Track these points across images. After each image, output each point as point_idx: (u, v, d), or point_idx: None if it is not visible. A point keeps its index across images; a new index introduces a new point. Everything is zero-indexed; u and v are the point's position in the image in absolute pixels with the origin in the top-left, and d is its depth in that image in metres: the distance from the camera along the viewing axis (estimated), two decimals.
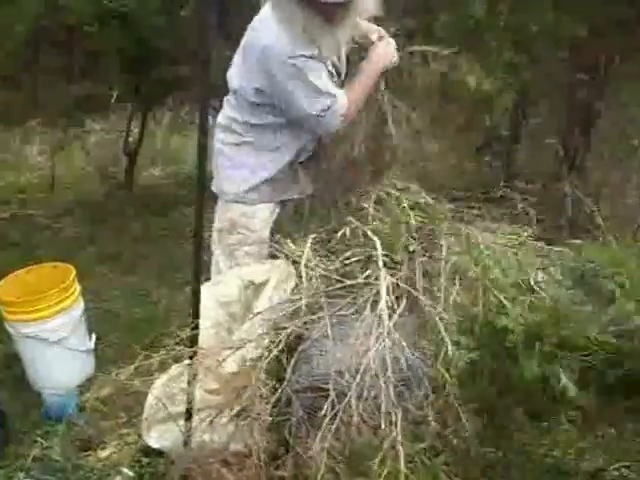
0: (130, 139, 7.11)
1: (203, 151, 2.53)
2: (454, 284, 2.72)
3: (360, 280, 2.76)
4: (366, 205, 3.07)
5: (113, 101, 7.11)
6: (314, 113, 3.04)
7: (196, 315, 2.66)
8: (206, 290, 2.84)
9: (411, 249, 2.87)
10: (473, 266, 2.75)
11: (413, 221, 2.92)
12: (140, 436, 3.08)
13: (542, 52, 4.42)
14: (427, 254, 2.88)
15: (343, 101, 3.06)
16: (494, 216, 3.19)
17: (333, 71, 3.15)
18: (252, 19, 3.11)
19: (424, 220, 2.95)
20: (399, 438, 2.23)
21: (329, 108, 3.03)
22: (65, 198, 6.62)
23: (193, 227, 2.64)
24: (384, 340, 2.44)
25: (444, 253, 2.81)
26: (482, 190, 3.63)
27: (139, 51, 5.86)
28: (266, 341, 2.71)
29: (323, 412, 2.38)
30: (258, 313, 2.82)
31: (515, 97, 4.68)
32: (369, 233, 2.84)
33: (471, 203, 3.17)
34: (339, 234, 3.01)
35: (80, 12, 5.78)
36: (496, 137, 5.60)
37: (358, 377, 2.38)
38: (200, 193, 2.60)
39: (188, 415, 2.80)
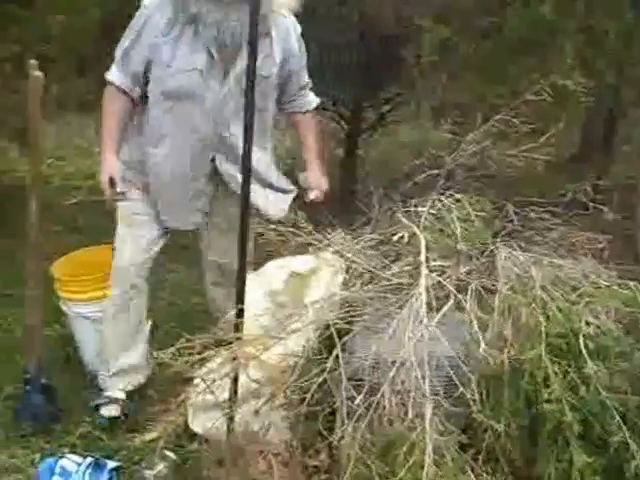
0: None
1: (249, 139, 2.75)
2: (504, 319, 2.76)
3: (404, 280, 2.92)
4: (420, 209, 3.22)
5: None
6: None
7: (240, 301, 2.87)
8: (253, 280, 3.05)
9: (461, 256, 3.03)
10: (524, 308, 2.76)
11: (459, 234, 3.04)
12: (186, 421, 3.30)
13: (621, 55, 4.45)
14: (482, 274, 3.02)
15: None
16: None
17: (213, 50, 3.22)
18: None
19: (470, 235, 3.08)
20: (428, 430, 2.39)
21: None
22: None
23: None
24: (421, 336, 2.60)
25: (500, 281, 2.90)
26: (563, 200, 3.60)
27: None
28: (311, 333, 2.91)
29: (357, 402, 2.55)
30: (306, 305, 3.01)
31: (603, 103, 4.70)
32: (417, 231, 2.99)
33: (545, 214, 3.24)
34: (392, 234, 3.20)
35: None
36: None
37: (393, 370, 2.55)
38: (245, 183, 2.82)
39: (231, 402, 3.01)
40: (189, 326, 4.19)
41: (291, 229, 3.16)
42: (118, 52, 3.34)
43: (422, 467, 2.33)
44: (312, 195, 3.49)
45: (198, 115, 3.31)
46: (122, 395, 3.62)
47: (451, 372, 2.65)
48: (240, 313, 2.91)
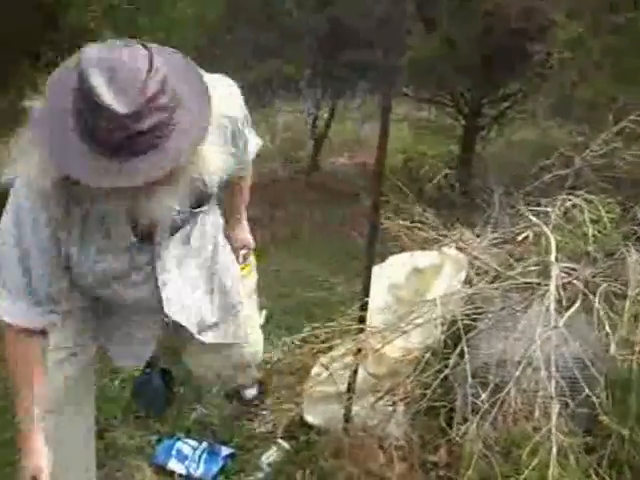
0: (318, 123, 7.53)
1: (384, 138, 2.83)
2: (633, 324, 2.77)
3: (530, 279, 2.98)
4: (550, 210, 3.27)
5: (303, 83, 7.54)
6: None
7: (366, 293, 2.97)
8: (376, 273, 3.15)
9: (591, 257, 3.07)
10: None
11: (590, 235, 3.08)
12: (299, 412, 3.42)
13: None
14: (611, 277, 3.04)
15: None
16: None
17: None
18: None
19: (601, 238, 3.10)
20: (553, 430, 2.45)
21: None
22: None
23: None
24: (549, 336, 2.65)
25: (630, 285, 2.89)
26: None
27: (335, 33, 6.24)
28: (434, 328, 2.99)
29: (481, 399, 2.62)
30: (429, 300, 3.10)
31: None
32: (546, 231, 3.04)
33: None
34: (517, 233, 3.25)
35: None
36: None
37: (520, 368, 2.61)
38: (378, 180, 2.92)
39: (350, 394, 3.11)
40: (300, 318, 4.40)
41: (417, 224, 3.23)
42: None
43: (547, 467, 2.39)
44: (241, 258, 3.04)
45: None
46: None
47: (578, 374, 2.69)
48: (364, 306, 3.01)
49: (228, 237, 2.81)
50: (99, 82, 1.74)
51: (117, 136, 1.76)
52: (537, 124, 7.37)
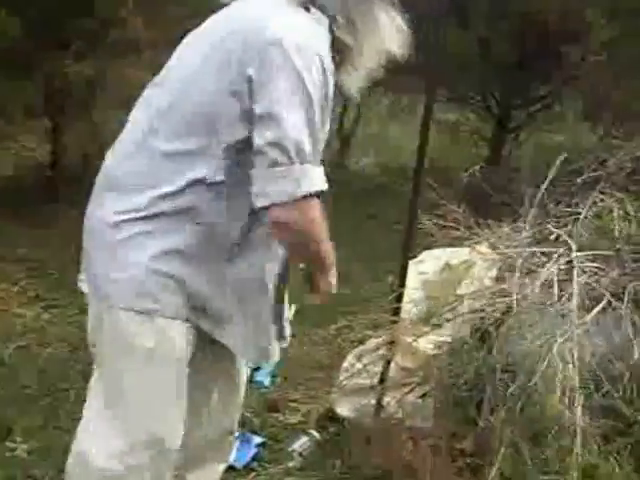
0: (345, 123, 7.75)
1: (425, 138, 3.06)
2: None
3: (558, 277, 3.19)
4: (581, 210, 3.48)
5: None
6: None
7: (402, 285, 3.19)
8: (409, 268, 3.38)
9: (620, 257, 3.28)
10: None
11: (617, 234, 3.29)
12: (329, 404, 3.65)
13: None
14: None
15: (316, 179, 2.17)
16: None
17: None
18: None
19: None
20: (578, 421, 2.68)
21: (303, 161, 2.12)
22: None
23: (402, 215, 3.14)
24: (572, 332, 2.88)
25: None
26: None
27: None
28: (464, 323, 3.22)
29: (510, 390, 2.85)
30: (460, 296, 3.32)
31: None
32: (564, 236, 3.25)
33: None
34: (548, 232, 3.47)
35: None
36: None
37: (545, 362, 2.83)
38: (417, 180, 3.14)
39: (383, 386, 3.34)
40: (327, 313, 4.62)
41: (449, 222, 3.44)
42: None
43: (571, 452, 2.62)
44: None
45: None
46: None
47: (601, 368, 2.92)
48: (399, 297, 3.23)
49: None
50: None
51: None
52: (568, 127, 7.58)
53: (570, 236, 3.34)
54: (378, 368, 3.38)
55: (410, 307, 3.38)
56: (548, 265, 3.28)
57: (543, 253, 3.36)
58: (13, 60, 5.47)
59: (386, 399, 3.39)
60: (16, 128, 6.46)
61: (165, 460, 2.40)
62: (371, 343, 3.44)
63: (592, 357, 2.92)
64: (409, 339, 3.26)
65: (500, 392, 2.92)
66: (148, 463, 2.35)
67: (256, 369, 4.05)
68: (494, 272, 3.39)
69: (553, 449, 2.66)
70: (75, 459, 2.43)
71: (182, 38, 2.38)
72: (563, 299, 3.07)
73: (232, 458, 3.41)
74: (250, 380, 3.99)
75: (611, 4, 4.71)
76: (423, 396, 3.28)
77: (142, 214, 2.23)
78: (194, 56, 2.26)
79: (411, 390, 3.30)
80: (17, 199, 6.11)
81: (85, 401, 2.44)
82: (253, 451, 3.49)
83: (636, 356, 2.86)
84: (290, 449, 3.50)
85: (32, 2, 5.48)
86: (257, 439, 3.55)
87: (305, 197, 2.12)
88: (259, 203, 2.13)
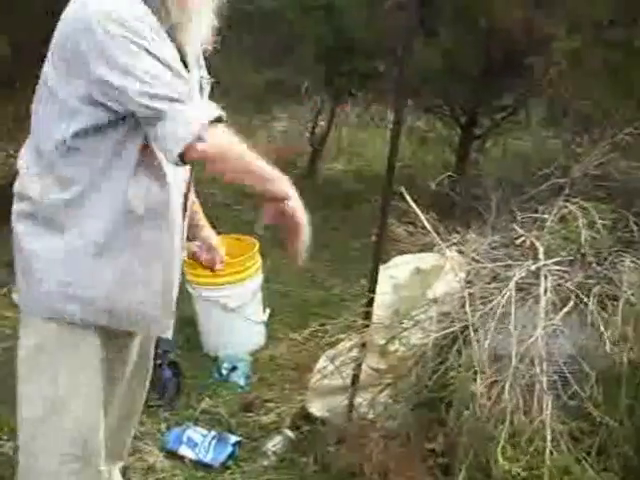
0: (317, 130, 7.75)
1: (395, 146, 3.04)
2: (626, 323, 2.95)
3: (525, 281, 3.17)
4: (547, 216, 3.46)
5: (303, 91, 7.75)
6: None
7: (372, 290, 3.17)
8: (381, 273, 3.35)
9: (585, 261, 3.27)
10: None
11: (583, 240, 3.27)
12: (303, 404, 3.62)
13: None
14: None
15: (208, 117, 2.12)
16: None
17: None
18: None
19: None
20: (547, 420, 2.66)
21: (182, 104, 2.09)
22: None
23: (373, 221, 3.13)
24: (543, 333, 2.86)
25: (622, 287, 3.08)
26: None
27: (336, 42, 6.44)
28: (434, 326, 3.20)
29: (478, 392, 2.82)
30: (430, 299, 3.30)
31: None
32: (534, 241, 3.24)
33: None
34: (515, 237, 3.45)
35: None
36: None
37: (514, 363, 2.81)
38: (388, 187, 3.12)
39: (354, 387, 3.32)
40: (301, 316, 4.61)
41: (419, 229, 3.43)
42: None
43: (542, 453, 2.60)
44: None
45: None
46: None
47: (568, 369, 2.90)
48: (370, 302, 3.21)
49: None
50: None
51: None
52: (532, 134, 7.59)
53: (537, 240, 3.33)
54: (350, 370, 3.35)
55: (381, 310, 3.35)
56: (516, 269, 3.28)
57: (510, 257, 3.35)
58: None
59: (358, 399, 3.35)
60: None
61: None
62: (343, 345, 3.41)
63: (559, 357, 2.91)
64: (380, 341, 3.23)
65: (469, 393, 2.89)
66: None
67: (232, 369, 4.04)
68: (463, 276, 3.37)
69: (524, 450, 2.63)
70: None
71: None
72: (530, 301, 3.07)
73: (209, 457, 3.39)
74: (225, 380, 4.00)
75: (572, 17, 4.72)
76: (394, 397, 3.25)
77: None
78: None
79: (382, 391, 3.27)
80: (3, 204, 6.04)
81: None
82: (229, 450, 3.47)
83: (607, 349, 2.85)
84: (265, 448, 3.48)
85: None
86: (233, 438, 3.53)
87: (205, 128, 2.08)
88: (174, 154, 2.10)
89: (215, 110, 2.14)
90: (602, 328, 2.87)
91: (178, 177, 2.38)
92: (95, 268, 2.27)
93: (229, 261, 4.08)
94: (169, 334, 2.60)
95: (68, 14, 2.16)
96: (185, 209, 2.51)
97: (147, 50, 2.06)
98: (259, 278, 4.36)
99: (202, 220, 2.86)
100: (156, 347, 3.84)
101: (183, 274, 4.15)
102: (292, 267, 5.41)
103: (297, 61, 7.31)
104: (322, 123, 7.97)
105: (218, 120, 2.13)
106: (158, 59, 2.08)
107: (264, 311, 4.45)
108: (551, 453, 2.64)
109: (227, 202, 6.78)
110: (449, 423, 2.98)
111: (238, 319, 4.22)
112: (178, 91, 2.08)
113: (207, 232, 2.87)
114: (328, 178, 7.67)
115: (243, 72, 7.25)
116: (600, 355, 2.87)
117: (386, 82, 6.15)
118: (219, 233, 4.67)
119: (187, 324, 4.43)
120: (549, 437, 2.65)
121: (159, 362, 3.80)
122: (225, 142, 2.16)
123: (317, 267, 5.47)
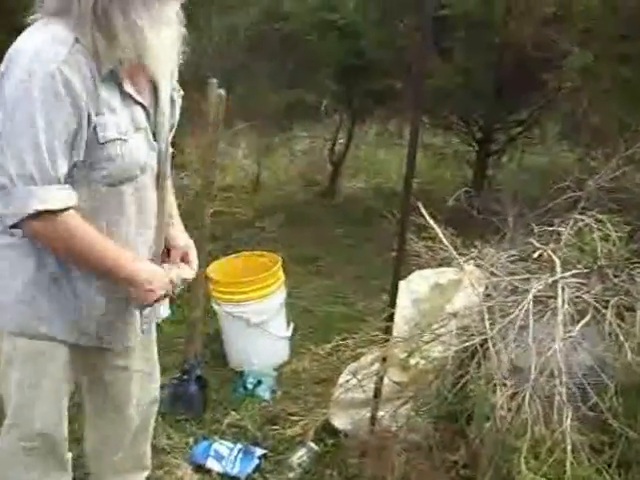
0: (336, 148, 7.75)
1: (412, 163, 3.02)
2: None
3: (544, 294, 3.14)
4: (563, 229, 3.43)
5: (323, 110, 7.76)
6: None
7: (392, 305, 3.15)
8: (401, 287, 3.33)
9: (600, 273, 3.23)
10: None
11: (599, 252, 3.24)
12: (326, 417, 3.59)
13: None
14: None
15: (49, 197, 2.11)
16: None
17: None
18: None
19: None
20: (568, 432, 2.62)
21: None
22: (268, 200, 7.39)
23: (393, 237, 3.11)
24: (562, 346, 2.82)
25: None
26: None
27: (354, 62, 6.45)
28: (454, 339, 3.17)
29: (499, 405, 2.79)
30: (450, 313, 3.27)
31: None
32: (551, 254, 3.21)
33: None
34: (532, 251, 3.42)
35: (301, 21, 6.46)
36: None
37: (533, 375, 2.78)
38: (405, 203, 3.10)
39: (376, 400, 3.29)
40: (324, 331, 4.58)
41: (437, 244, 3.41)
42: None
43: (563, 465, 2.56)
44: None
45: None
46: None
47: (587, 380, 2.86)
48: (390, 317, 3.19)
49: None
50: None
51: None
52: (547, 149, 7.57)
53: (554, 253, 3.29)
54: (372, 383, 3.33)
55: (402, 324, 3.33)
56: (534, 282, 3.24)
57: (528, 270, 3.31)
58: None
59: (380, 412, 3.34)
60: None
61: None
62: (365, 359, 3.38)
63: (578, 369, 2.87)
64: (401, 355, 3.20)
65: (490, 405, 2.86)
66: None
67: (257, 384, 4.02)
68: (481, 289, 3.34)
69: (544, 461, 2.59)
70: None
71: None
72: (549, 314, 3.03)
73: (236, 470, 3.38)
74: (251, 394, 3.98)
75: (584, 32, 4.71)
76: (415, 409, 3.22)
77: None
78: None
79: (404, 404, 3.24)
80: None
81: None
82: (255, 462, 3.47)
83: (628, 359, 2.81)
84: (290, 461, 3.47)
85: None
86: (259, 451, 3.53)
87: (37, 215, 2.10)
88: (6, 223, 2.18)
89: (57, 201, 2.13)
90: (621, 339, 2.82)
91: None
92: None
93: (252, 278, 4.11)
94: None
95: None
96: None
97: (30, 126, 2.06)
98: (282, 294, 4.35)
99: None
100: (183, 363, 3.88)
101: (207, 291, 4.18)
102: (315, 283, 5.45)
103: (316, 81, 7.34)
104: (341, 141, 7.95)
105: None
106: (36, 141, 2.07)
107: (288, 326, 4.43)
108: (572, 464, 2.59)
109: (248, 220, 6.77)
110: (470, 435, 2.95)
111: (262, 334, 4.20)
112: (28, 174, 2.09)
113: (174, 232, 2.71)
114: (348, 195, 7.67)
115: (265, 93, 7.29)
116: (619, 366, 2.83)
117: (403, 100, 6.14)
118: (240, 250, 4.72)
119: (213, 340, 4.45)
120: (569, 448, 2.61)
121: (186, 377, 3.80)
122: (58, 235, 2.20)
123: (339, 283, 5.48)
